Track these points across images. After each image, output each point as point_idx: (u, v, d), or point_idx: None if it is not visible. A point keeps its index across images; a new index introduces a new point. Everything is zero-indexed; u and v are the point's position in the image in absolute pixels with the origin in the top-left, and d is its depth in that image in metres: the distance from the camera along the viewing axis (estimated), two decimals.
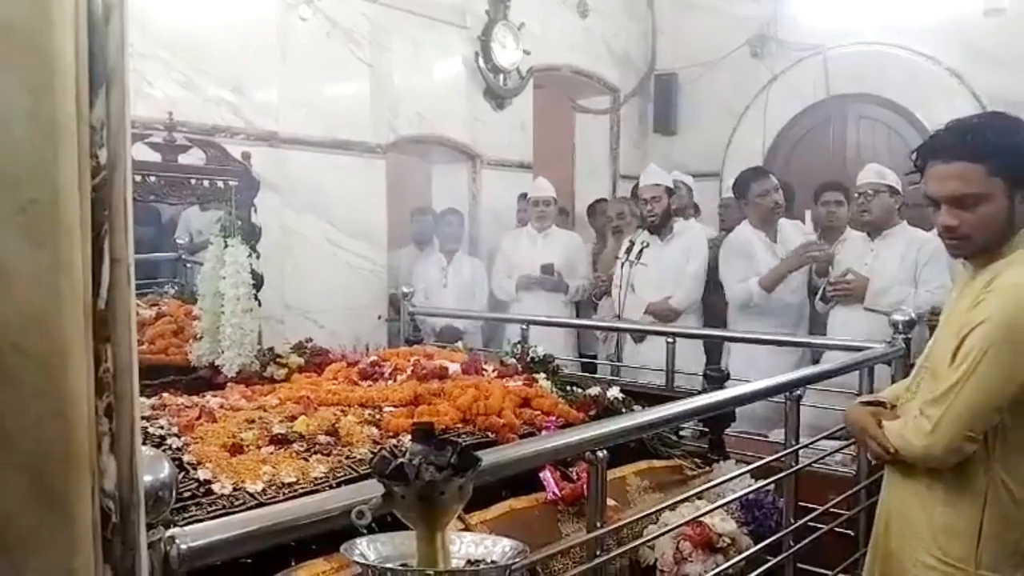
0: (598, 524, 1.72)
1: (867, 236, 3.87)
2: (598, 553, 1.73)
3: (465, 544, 1.15)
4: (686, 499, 2.22)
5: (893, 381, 2.97)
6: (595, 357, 4.76)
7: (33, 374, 0.56)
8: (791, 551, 2.46)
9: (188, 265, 4.18)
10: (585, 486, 2.26)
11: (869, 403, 2.09)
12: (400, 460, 1.02)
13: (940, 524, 1.80)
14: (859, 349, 3.02)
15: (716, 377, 3.14)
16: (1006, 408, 1.70)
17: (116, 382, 0.62)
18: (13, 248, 0.55)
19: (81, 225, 0.59)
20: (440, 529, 1.04)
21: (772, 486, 2.50)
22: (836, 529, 2.67)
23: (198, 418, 2.35)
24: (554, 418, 2.71)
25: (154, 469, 0.97)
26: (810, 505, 2.61)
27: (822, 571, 2.65)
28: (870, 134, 5.76)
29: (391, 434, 2.42)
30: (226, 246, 3.29)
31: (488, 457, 1.49)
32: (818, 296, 3.98)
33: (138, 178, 3.03)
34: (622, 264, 4.25)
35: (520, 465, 1.65)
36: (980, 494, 1.74)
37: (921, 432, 1.77)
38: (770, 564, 2.41)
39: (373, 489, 1.12)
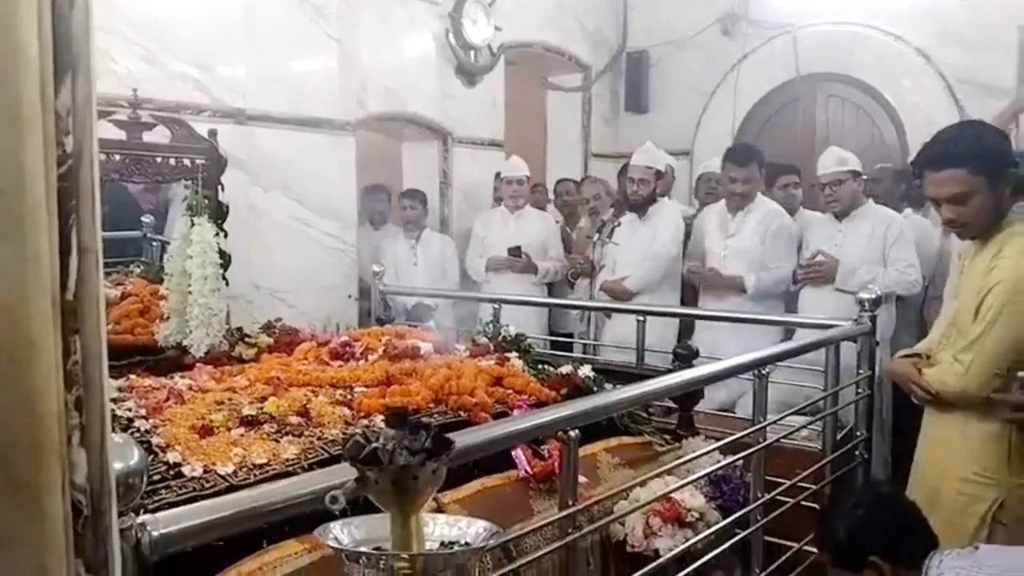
0: (570, 502, 1.74)
1: (834, 217, 3.92)
2: (570, 531, 1.74)
3: (439, 526, 1.15)
4: (656, 475, 2.25)
5: (859, 357, 3.04)
6: (569, 335, 4.77)
7: (0, 367, 0.55)
8: (759, 524, 2.50)
9: (154, 243, 4.12)
10: (556, 463, 2.28)
11: (908, 355, 2.51)
12: (374, 445, 1.02)
13: (977, 445, 2.23)
14: (827, 327, 3.07)
15: (685, 355, 3.17)
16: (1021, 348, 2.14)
17: (85, 374, 0.61)
18: None
19: (48, 215, 0.57)
20: (414, 512, 1.04)
21: (740, 461, 2.54)
22: (803, 503, 2.72)
23: (166, 400, 2.33)
24: (526, 397, 2.73)
25: (124, 456, 0.96)
26: (777, 479, 2.65)
27: (789, 543, 2.70)
28: (839, 113, 5.82)
29: (363, 414, 2.41)
30: (193, 225, 3.24)
31: (462, 439, 1.49)
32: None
33: (102, 157, 2.97)
34: (594, 244, 4.26)
35: (494, 446, 1.65)
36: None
37: (957, 375, 2.23)
38: (738, 538, 2.45)
39: (346, 472, 1.12)
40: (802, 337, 3.27)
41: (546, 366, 3.09)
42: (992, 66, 5.06)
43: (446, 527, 1.16)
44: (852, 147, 4.35)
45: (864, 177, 3.97)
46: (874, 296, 3.03)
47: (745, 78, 6.07)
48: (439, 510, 1.93)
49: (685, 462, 2.36)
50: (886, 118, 5.59)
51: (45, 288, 0.57)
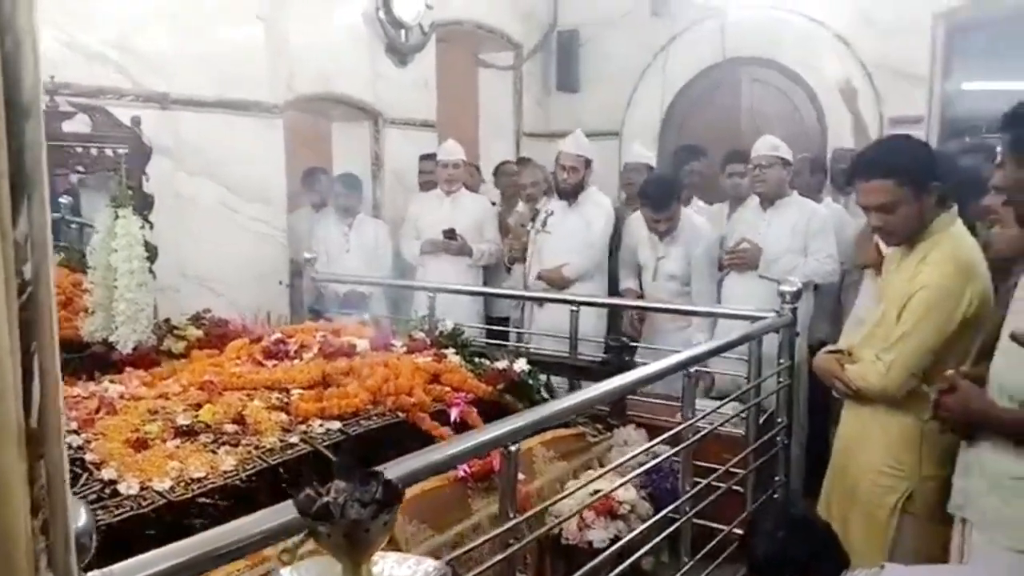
0: (511, 515, 1.78)
1: (760, 206, 4.03)
2: (511, 543, 1.79)
3: (388, 566, 1.18)
4: (597, 478, 2.31)
5: (780, 347, 3.17)
6: (504, 319, 4.79)
7: None
8: (689, 515, 2.60)
9: (72, 226, 3.96)
10: (494, 462, 2.32)
11: (832, 351, 2.60)
12: (325, 499, 1.03)
13: (896, 439, 2.36)
14: (752, 319, 3.17)
15: (617, 347, 3.25)
16: (938, 350, 2.28)
17: (50, 496, 0.61)
18: None
19: (11, 348, 0.57)
20: (365, 562, 1.06)
21: (669, 450, 2.62)
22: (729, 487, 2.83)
23: (97, 411, 2.28)
24: (463, 394, 2.75)
25: (73, 518, 0.95)
26: (705, 465, 2.75)
27: (718, 526, 2.81)
28: (762, 98, 5.91)
29: (300, 419, 2.40)
30: (117, 217, 3.14)
31: (407, 465, 1.52)
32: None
33: None
34: (528, 231, 4.29)
35: (439, 469, 1.68)
36: (920, 413, 2.24)
37: (878, 374, 2.35)
38: (672, 529, 2.54)
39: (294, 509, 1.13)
40: (727, 328, 3.37)
41: (482, 359, 3.12)
42: (907, 52, 5.23)
43: (396, 567, 1.18)
44: (775, 131, 4.42)
45: (792, 166, 4.06)
46: (795, 289, 3.15)
47: (674, 60, 6.12)
48: None
49: (623, 463, 2.43)
50: (807, 102, 5.74)
51: (10, 421, 0.57)
